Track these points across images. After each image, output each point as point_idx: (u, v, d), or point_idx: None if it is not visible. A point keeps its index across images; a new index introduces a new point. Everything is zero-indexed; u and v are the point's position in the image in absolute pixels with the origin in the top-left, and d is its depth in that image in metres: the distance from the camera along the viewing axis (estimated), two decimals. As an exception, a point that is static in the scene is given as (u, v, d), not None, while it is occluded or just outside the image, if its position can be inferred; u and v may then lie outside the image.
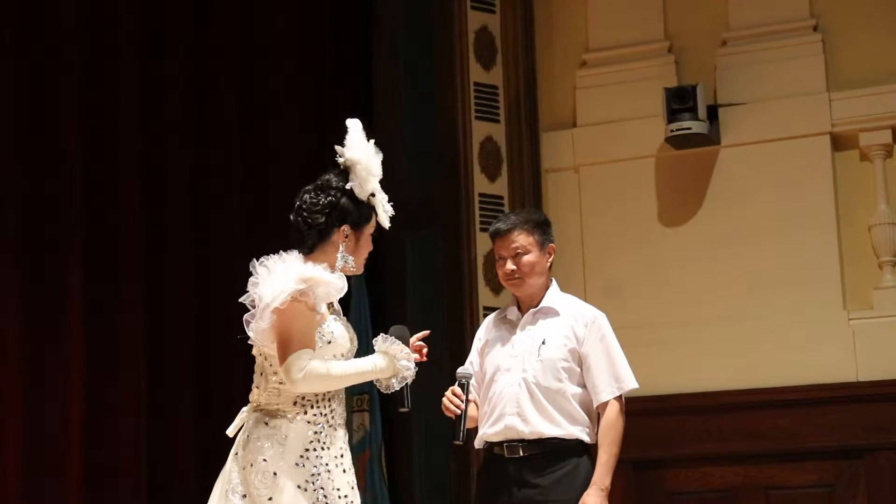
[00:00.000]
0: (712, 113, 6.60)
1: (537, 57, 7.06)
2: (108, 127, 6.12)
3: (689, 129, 6.51)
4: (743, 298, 6.46)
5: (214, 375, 6.23)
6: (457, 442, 4.24)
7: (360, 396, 6.81)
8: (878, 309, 6.30)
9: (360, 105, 7.32)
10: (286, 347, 3.60)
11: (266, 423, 3.66)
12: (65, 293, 5.86)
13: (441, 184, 7.00)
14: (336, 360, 3.68)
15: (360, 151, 3.80)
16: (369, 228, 3.82)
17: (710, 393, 6.37)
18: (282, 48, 6.95)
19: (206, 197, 6.49)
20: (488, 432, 4.38)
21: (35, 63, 5.91)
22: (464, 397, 4.24)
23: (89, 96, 6.04)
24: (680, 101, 6.50)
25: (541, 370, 4.34)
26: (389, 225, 3.84)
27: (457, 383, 4.29)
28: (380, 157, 3.83)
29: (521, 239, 4.41)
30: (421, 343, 3.88)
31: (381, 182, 3.89)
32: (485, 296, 6.70)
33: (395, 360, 3.72)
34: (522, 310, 4.47)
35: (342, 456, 3.69)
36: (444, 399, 4.27)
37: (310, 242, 3.76)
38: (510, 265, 4.40)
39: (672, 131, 6.54)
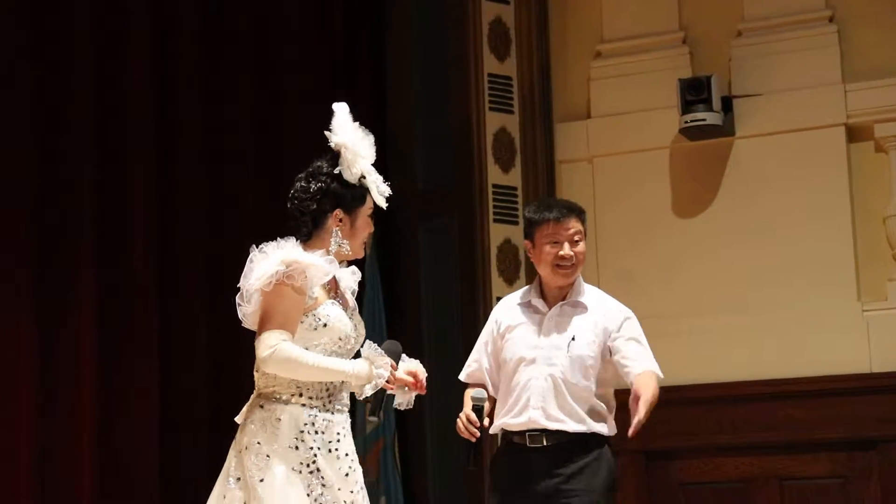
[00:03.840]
0: (727, 104, 6.59)
1: (551, 48, 7.05)
2: (118, 126, 6.12)
3: (703, 120, 6.50)
4: (757, 289, 6.45)
5: (227, 373, 6.22)
6: (471, 468, 4.21)
7: (374, 386, 6.83)
8: (892, 300, 6.29)
9: (374, 95, 7.33)
10: (262, 326, 3.61)
11: (262, 407, 3.66)
12: (76, 290, 5.85)
13: (455, 175, 7.01)
14: (316, 353, 3.64)
15: (346, 134, 3.78)
16: (364, 210, 3.78)
17: (723, 384, 6.37)
18: (295, 40, 6.94)
19: (220, 187, 6.48)
20: (510, 422, 4.33)
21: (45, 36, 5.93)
22: (478, 424, 4.20)
23: (102, 96, 6.06)
24: (694, 92, 6.49)
25: (569, 367, 4.29)
26: (386, 205, 3.80)
27: (471, 407, 4.23)
28: (369, 138, 3.82)
29: (578, 225, 4.35)
30: (414, 372, 3.81)
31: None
32: (497, 286, 6.70)
33: (374, 374, 3.66)
34: (549, 300, 4.40)
35: (338, 441, 3.67)
36: (459, 423, 4.22)
37: (305, 230, 3.75)
38: (568, 250, 4.31)
39: (686, 122, 6.54)
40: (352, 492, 3.66)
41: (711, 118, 6.50)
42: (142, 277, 6.06)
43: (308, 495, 3.58)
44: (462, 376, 4.51)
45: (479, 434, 4.18)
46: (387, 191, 3.80)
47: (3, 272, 5.71)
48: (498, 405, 4.41)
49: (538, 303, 4.40)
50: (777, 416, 6.28)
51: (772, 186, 6.54)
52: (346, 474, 3.66)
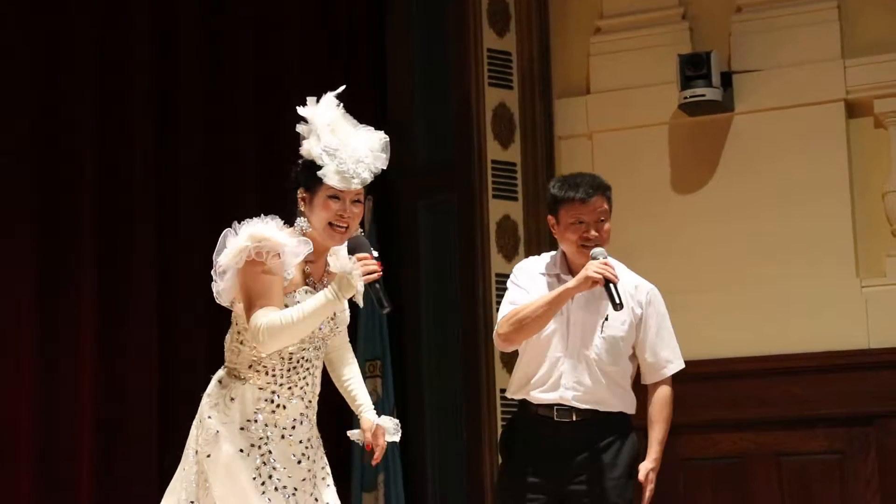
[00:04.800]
0: (726, 80, 6.58)
1: (551, 23, 7.03)
2: (118, 122, 6.09)
3: (702, 96, 6.49)
4: (756, 265, 6.46)
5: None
6: (619, 308, 4.09)
7: (373, 362, 6.83)
8: (890, 276, 6.29)
9: (373, 71, 7.31)
10: (246, 313, 3.54)
11: (220, 382, 3.64)
12: (77, 280, 5.84)
13: (454, 150, 6.99)
14: (289, 308, 3.52)
15: (309, 109, 3.66)
16: (324, 189, 3.59)
17: (722, 360, 6.37)
18: (295, 17, 6.92)
19: (220, 176, 6.43)
20: (539, 396, 4.29)
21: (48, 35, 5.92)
22: (612, 267, 4.11)
23: (102, 92, 6.05)
24: (694, 67, 6.48)
25: (604, 349, 4.28)
26: (340, 183, 3.57)
27: (598, 259, 4.15)
28: (347, 120, 3.66)
29: (605, 205, 4.31)
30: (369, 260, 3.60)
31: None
32: (497, 263, 6.70)
33: (349, 277, 3.51)
34: (576, 275, 4.28)
35: (293, 427, 3.61)
36: (594, 272, 4.09)
37: (295, 210, 3.67)
38: (594, 231, 4.28)
39: (686, 98, 6.53)
40: (303, 479, 3.62)
41: (711, 94, 6.49)
42: (142, 278, 6.04)
43: (255, 478, 3.52)
44: (509, 310, 4.29)
45: (617, 278, 4.11)
46: (350, 171, 3.57)
47: (3, 272, 5.69)
48: (522, 373, 4.35)
49: (568, 279, 4.30)
50: (775, 391, 6.29)
51: (771, 162, 6.54)
52: (299, 461, 3.61)
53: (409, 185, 7.20)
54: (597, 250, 4.22)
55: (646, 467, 4.26)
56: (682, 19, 6.80)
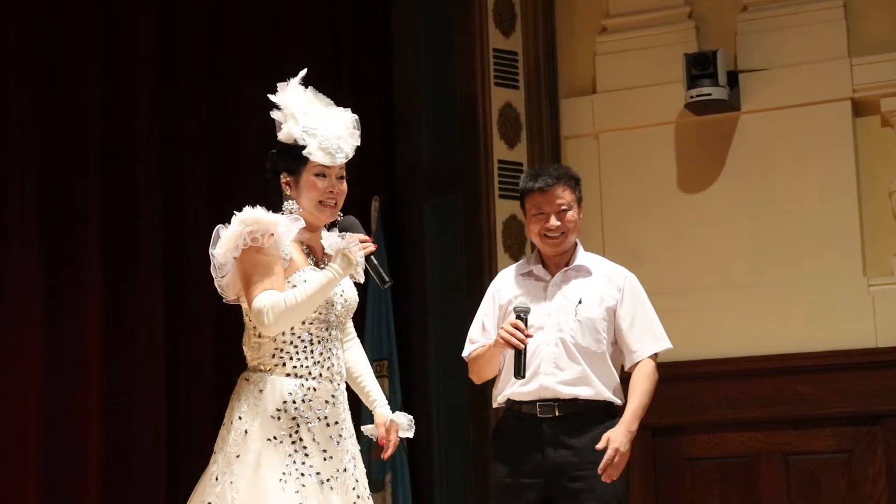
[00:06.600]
0: (732, 79, 6.58)
1: (557, 23, 7.03)
2: (120, 118, 6.07)
3: (709, 95, 6.49)
4: (762, 264, 6.46)
5: (236, 357, 6.19)
6: (520, 377, 4.11)
7: (380, 362, 6.83)
8: (898, 275, 6.30)
9: (379, 72, 7.31)
10: (247, 298, 3.59)
11: (247, 380, 3.67)
12: (83, 277, 5.83)
13: (460, 150, 6.99)
14: (293, 289, 3.59)
15: (280, 96, 3.76)
16: (308, 169, 3.70)
17: (728, 359, 6.38)
18: (299, 19, 6.92)
19: (222, 167, 6.43)
20: (519, 391, 4.28)
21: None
22: (526, 331, 4.10)
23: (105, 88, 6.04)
24: (700, 67, 6.48)
25: (579, 330, 4.28)
26: (326, 159, 3.69)
27: (515, 317, 4.16)
28: (321, 100, 3.77)
29: (566, 195, 4.33)
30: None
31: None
32: (503, 262, 6.68)
33: (347, 252, 3.61)
34: (550, 268, 4.38)
35: (327, 410, 3.65)
36: (505, 333, 4.11)
37: (275, 200, 3.74)
38: (554, 221, 4.30)
39: (692, 97, 6.52)
40: (342, 460, 3.65)
41: (717, 93, 6.49)
42: (147, 276, 6.04)
43: (288, 465, 3.55)
44: (466, 353, 4.46)
45: (526, 342, 4.10)
46: (333, 146, 3.70)
47: (7, 271, 5.68)
48: (503, 376, 4.36)
49: (540, 271, 4.37)
50: (782, 391, 6.29)
51: (777, 161, 6.54)
52: (337, 443, 3.65)
53: (416, 185, 7.20)
54: (519, 306, 4.21)
55: (607, 434, 4.16)
56: (688, 18, 6.80)
